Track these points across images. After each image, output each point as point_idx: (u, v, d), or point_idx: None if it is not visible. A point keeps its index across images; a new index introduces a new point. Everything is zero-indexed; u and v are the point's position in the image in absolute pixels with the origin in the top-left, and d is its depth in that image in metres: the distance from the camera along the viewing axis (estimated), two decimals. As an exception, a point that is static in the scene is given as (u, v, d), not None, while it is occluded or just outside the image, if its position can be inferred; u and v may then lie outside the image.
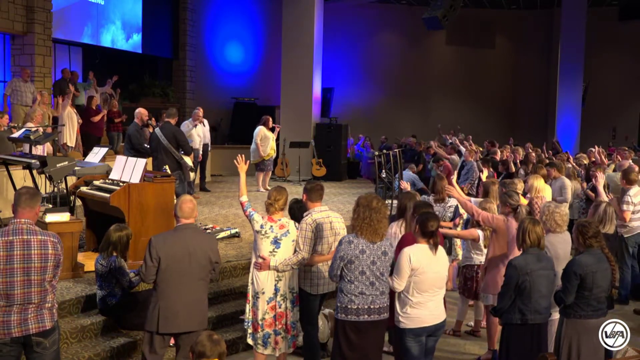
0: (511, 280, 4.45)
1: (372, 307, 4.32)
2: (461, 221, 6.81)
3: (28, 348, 3.85)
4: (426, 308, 4.40)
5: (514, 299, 4.48)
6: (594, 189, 8.42)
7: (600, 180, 7.18)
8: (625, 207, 7.19)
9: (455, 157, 12.46)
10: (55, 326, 3.94)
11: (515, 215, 5.54)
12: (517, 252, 5.22)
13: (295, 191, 10.92)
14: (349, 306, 4.30)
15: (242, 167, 5.40)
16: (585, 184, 9.30)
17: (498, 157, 11.12)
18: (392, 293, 4.50)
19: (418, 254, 4.37)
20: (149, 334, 4.43)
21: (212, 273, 4.60)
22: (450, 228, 6.62)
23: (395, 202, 8.18)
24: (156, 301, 4.38)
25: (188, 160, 8.13)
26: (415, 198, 5.73)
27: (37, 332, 3.81)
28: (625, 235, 7.36)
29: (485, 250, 6.22)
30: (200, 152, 11.02)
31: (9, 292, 3.73)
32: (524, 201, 6.20)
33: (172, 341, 4.70)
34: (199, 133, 10.93)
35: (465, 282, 6.33)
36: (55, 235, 3.96)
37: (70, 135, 10.91)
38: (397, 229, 5.44)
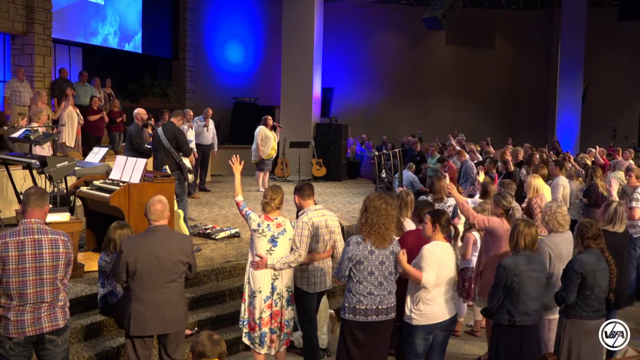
0: (500, 280, 4.45)
1: (380, 307, 4.32)
2: (460, 221, 6.82)
3: (40, 346, 3.87)
4: (439, 304, 4.42)
5: (503, 300, 4.47)
6: (589, 191, 8.41)
7: (615, 185, 7.16)
8: (635, 204, 7.16)
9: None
10: (67, 324, 3.97)
11: (507, 216, 5.53)
12: (505, 252, 5.23)
13: (295, 191, 10.92)
14: (357, 307, 4.30)
15: (237, 168, 5.41)
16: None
17: (508, 156, 10.96)
18: (398, 292, 4.49)
19: (441, 250, 4.40)
20: (130, 338, 4.41)
21: (187, 274, 4.50)
22: None
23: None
24: (129, 304, 4.37)
25: (187, 162, 8.11)
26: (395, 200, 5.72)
27: (50, 330, 3.85)
28: (635, 236, 7.30)
29: None
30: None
31: (22, 292, 3.75)
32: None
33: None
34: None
35: (463, 284, 6.34)
36: (65, 234, 3.99)
37: (69, 135, 10.91)
38: None
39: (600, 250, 4.58)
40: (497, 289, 4.47)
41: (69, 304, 4.04)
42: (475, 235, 6.18)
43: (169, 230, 4.57)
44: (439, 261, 4.34)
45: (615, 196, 6.94)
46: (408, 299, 4.47)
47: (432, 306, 4.39)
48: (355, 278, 4.31)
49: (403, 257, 4.36)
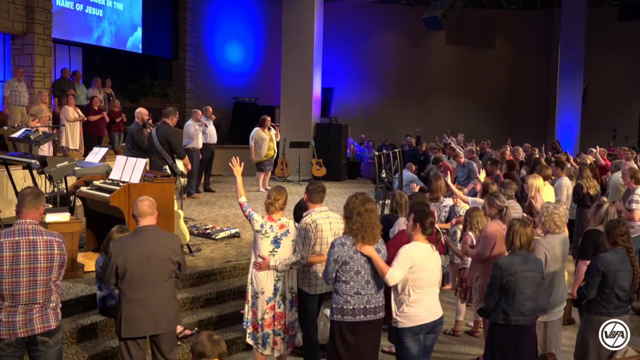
0: (495, 280, 4.46)
1: (367, 306, 4.30)
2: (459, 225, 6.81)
3: (32, 347, 3.86)
4: (423, 305, 4.37)
5: (498, 299, 4.48)
6: (574, 192, 8.42)
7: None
8: (635, 205, 7.14)
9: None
10: (59, 325, 3.96)
11: (501, 217, 5.51)
12: (500, 253, 5.25)
13: (295, 191, 10.92)
14: (345, 307, 4.27)
15: (237, 170, 5.41)
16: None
17: (509, 157, 10.94)
18: (387, 292, 4.48)
19: (419, 251, 4.35)
20: (123, 340, 4.38)
21: (177, 273, 4.48)
22: (446, 230, 6.64)
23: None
24: (120, 306, 4.36)
25: (180, 165, 7.97)
26: (426, 198, 5.75)
27: (42, 332, 3.83)
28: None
29: None
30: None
31: (15, 293, 3.74)
32: None
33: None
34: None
35: (461, 284, 6.34)
36: (60, 235, 3.97)
37: (71, 137, 10.90)
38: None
39: (627, 249, 4.65)
40: (493, 289, 4.48)
41: (60, 305, 4.02)
42: (472, 235, 6.19)
43: (158, 230, 4.52)
44: (413, 263, 4.27)
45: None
46: (393, 302, 4.42)
47: (415, 308, 4.34)
48: (342, 278, 4.28)
49: (368, 248, 4.25)
